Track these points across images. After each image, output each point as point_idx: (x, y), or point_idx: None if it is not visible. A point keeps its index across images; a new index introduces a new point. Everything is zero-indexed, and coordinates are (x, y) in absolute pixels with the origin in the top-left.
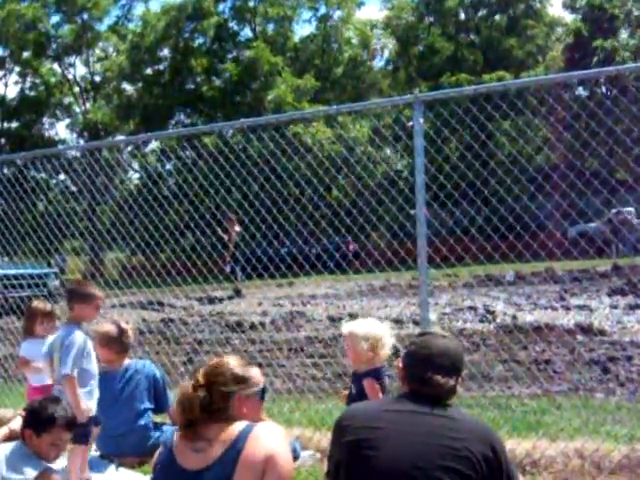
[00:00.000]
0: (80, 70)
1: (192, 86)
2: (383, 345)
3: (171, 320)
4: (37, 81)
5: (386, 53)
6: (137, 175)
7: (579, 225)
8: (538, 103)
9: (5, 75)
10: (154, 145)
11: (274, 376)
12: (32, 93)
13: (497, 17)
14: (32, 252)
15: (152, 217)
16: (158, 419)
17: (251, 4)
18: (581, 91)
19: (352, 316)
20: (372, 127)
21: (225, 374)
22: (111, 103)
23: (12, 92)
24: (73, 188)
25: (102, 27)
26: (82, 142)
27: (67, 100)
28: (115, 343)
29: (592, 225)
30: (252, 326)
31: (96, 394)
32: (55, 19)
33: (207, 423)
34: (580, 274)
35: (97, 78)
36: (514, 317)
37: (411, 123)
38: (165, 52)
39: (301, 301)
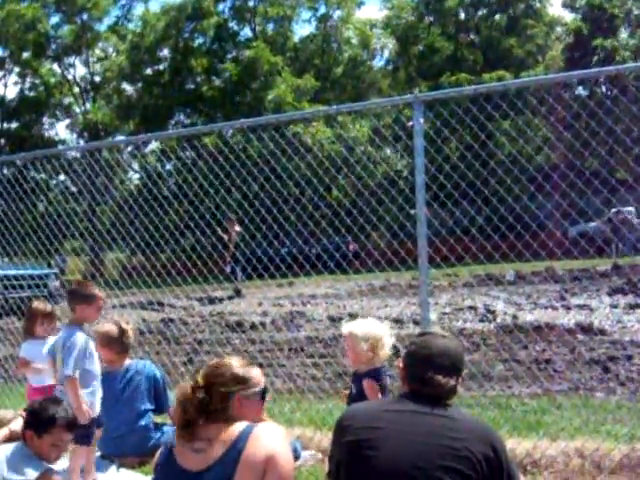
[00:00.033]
0: (80, 70)
1: (192, 86)
2: (383, 345)
3: (171, 320)
4: (37, 81)
5: (386, 53)
6: (137, 175)
7: (579, 225)
8: (538, 103)
9: (5, 75)
10: (154, 145)
11: (275, 376)
12: (32, 93)
13: (497, 17)
14: (32, 253)
15: (152, 217)
16: (159, 420)
17: (251, 4)
18: (581, 91)
19: (352, 316)
20: (372, 127)
21: (224, 375)
22: (111, 103)
23: (12, 92)
24: (73, 188)
25: (102, 27)
26: (82, 142)
27: (67, 100)
28: (116, 343)
29: (592, 225)
30: (252, 326)
31: (99, 395)
32: (55, 19)
33: (206, 423)
34: (580, 273)
35: (97, 78)
36: (514, 317)
37: (411, 123)
38: (165, 52)
39: (301, 301)
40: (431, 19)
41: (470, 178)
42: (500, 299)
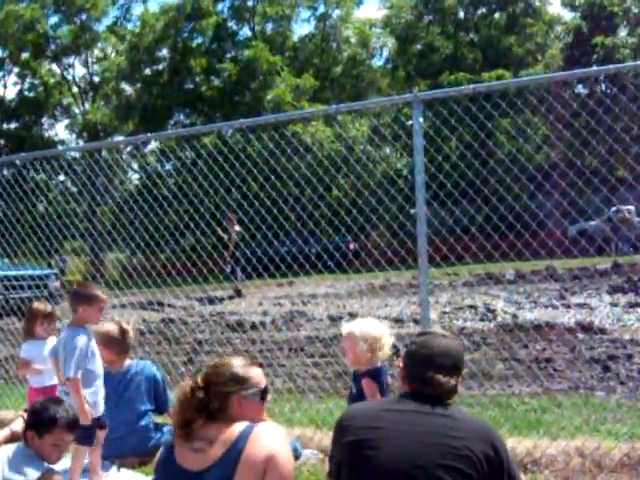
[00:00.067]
0: (79, 71)
1: (191, 86)
2: (382, 345)
3: (171, 320)
4: (36, 82)
5: (385, 52)
6: (137, 176)
7: (579, 223)
8: (538, 101)
9: (4, 76)
10: (153, 145)
11: (275, 376)
12: (31, 94)
13: (496, 15)
14: (32, 253)
15: (152, 217)
16: (159, 420)
17: (250, 3)
18: (580, 89)
19: (352, 315)
20: (371, 126)
21: (224, 374)
22: (110, 103)
23: (11, 93)
24: (73, 189)
25: (101, 27)
26: (81, 142)
27: (66, 101)
28: (116, 343)
29: (592, 223)
30: (252, 326)
31: (102, 394)
32: (54, 20)
33: (206, 423)
34: (580, 272)
35: (96, 78)
36: (514, 316)
37: (410, 122)
38: (164, 52)
39: (301, 300)
40: (430, 18)
41: (470, 177)
42: (500, 298)
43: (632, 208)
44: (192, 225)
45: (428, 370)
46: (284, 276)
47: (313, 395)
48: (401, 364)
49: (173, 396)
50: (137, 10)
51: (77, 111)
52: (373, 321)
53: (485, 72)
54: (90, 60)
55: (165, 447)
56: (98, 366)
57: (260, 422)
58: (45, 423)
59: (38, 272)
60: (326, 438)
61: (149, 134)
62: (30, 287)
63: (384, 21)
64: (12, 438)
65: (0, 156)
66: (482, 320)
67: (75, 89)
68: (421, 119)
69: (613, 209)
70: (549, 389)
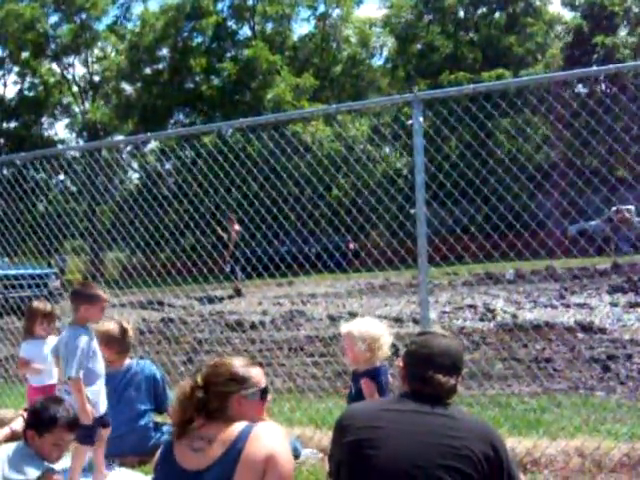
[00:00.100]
0: (79, 70)
1: (191, 85)
2: (381, 345)
3: (171, 320)
4: (36, 81)
5: (385, 51)
6: (137, 175)
7: (579, 223)
8: (537, 101)
9: (4, 75)
10: (153, 145)
11: (274, 375)
12: (31, 93)
13: (496, 15)
14: (32, 252)
15: (152, 217)
16: (159, 419)
17: (250, 3)
18: (581, 89)
19: (352, 315)
20: (371, 126)
21: (223, 374)
22: (110, 103)
23: (11, 92)
24: (73, 188)
25: (101, 27)
26: (81, 142)
27: (66, 100)
28: (116, 343)
29: (592, 223)
30: (252, 325)
31: (103, 393)
32: (54, 19)
33: (205, 423)
34: (580, 272)
35: (96, 78)
36: (514, 315)
37: (410, 122)
38: (164, 51)
39: (301, 300)
40: (430, 17)
41: (470, 177)
42: (500, 298)
43: (632, 208)
44: (192, 224)
45: (428, 370)
46: (284, 276)
47: (313, 394)
48: (401, 364)
49: (173, 395)
50: (137, 9)
51: (77, 110)
52: (372, 321)
53: (485, 72)
54: (90, 59)
55: (165, 446)
56: (99, 365)
57: (260, 422)
58: (45, 422)
59: (38, 271)
60: (326, 438)
61: (149, 133)
62: (30, 286)
63: (384, 20)
64: (12, 437)
65: (0, 155)
66: (482, 320)
67: (75, 88)
68: (421, 119)
69: (613, 209)
70: (549, 389)
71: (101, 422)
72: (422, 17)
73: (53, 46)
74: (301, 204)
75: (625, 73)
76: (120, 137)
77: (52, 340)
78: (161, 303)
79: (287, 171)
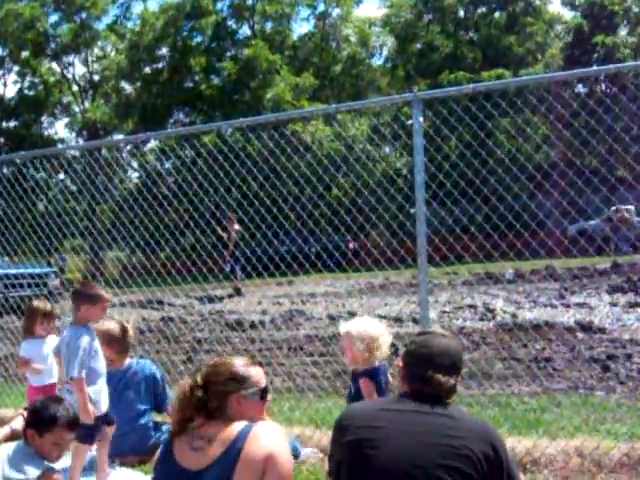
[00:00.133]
0: (79, 69)
1: (191, 85)
2: (379, 345)
3: (171, 319)
4: (36, 80)
5: (385, 51)
6: (136, 174)
7: (578, 223)
8: (537, 101)
9: (4, 74)
10: (153, 144)
11: (274, 375)
12: (31, 92)
13: (496, 14)
14: (32, 251)
15: (152, 216)
16: (158, 419)
17: (249, 2)
18: (580, 89)
19: (352, 314)
20: (371, 125)
21: (223, 373)
22: (110, 102)
23: (11, 91)
24: (73, 187)
25: (101, 26)
26: (81, 141)
27: (66, 99)
28: (117, 342)
29: (592, 223)
30: (252, 325)
31: (104, 392)
32: (54, 18)
33: (204, 422)
34: (580, 272)
35: (96, 77)
36: (514, 315)
37: (410, 122)
38: (163, 51)
39: (301, 299)
40: (430, 17)
41: (469, 176)
42: (499, 297)
43: (631, 208)
44: (192, 224)
45: (428, 370)
46: (284, 275)
47: (312, 394)
48: (400, 363)
49: (173, 395)
50: (137, 9)
51: (77, 110)
52: (371, 320)
53: (485, 71)
54: (90, 59)
55: (164, 446)
56: (101, 365)
57: (259, 421)
58: (45, 422)
59: (38, 270)
60: (325, 437)
61: (149, 133)
62: (30, 285)
63: (384, 20)
64: (12, 436)
65: (0, 154)
66: (481, 319)
67: (75, 88)
68: (421, 118)
69: (613, 209)
70: (548, 389)
71: (105, 420)
72: (422, 17)
73: (53, 45)
74: (301, 204)
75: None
76: (120, 136)
77: (52, 339)
78: (161, 302)
79: (287, 171)
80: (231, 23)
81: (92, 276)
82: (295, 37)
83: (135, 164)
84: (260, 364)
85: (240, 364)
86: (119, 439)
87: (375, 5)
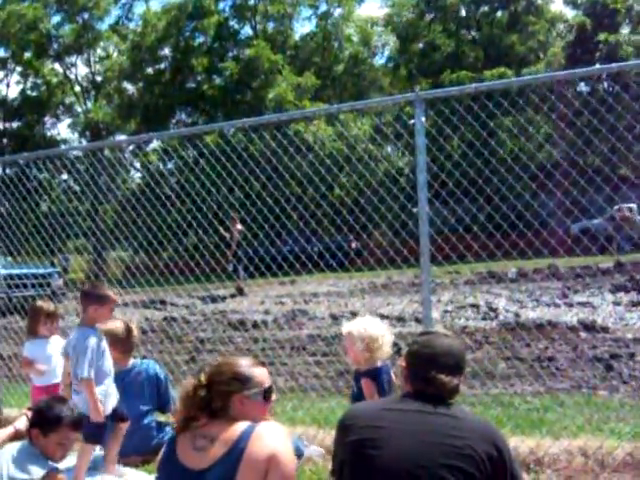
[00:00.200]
0: (81, 70)
1: (193, 85)
2: (380, 345)
3: (173, 319)
4: (39, 81)
5: (387, 50)
6: (139, 174)
7: (581, 222)
8: (540, 100)
9: (7, 75)
10: (156, 144)
11: (277, 374)
12: (34, 93)
13: (498, 13)
14: (35, 252)
15: (154, 216)
16: (162, 419)
17: (251, 2)
18: (583, 87)
19: (354, 314)
20: (373, 125)
21: (226, 373)
22: (112, 102)
23: (14, 92)
24: (76, 188)
25: (103, 27)
26: (84, 141)
27: (68, 100)
28: (121, 342)
29: (595, 222)
30: (254, 324)
31: (113, 391)
32: (56, 19)
33: (208, 422)
34: (583, 271)
35: (98, 78)
36: (516, 314)
37: (413, 121)
38: (166, 51)
39: (303, 299)
40: (432, 16)
41: (472, 176)
42: (502, 297)
43: (634, 206)
44: (194, 224)
45: (431, 370)
46: (286, 275)
47: (315, 394)
48: (403, 364)
49: (176, 395)
50: (139, 9)
51: (79, 110)
52: (372, 320)
53: (487, 70)
54: (92, 59)
55: (167, 446)
56: (108, 364)
57: (262, 422)
58: (50, 422)
59: (41, 271)
60: (328, 437)
61: (151, 133)
62: (33, 286)
63: (385, 19)
64: (15, 436)
65: (3, 155)
66: (484, 319)
67: (77, 88)
68: (423, 118)
69: (615, 208)
70: (551, 388)
71: (119, 416)
72: (424, 16)
73: (55, 46)
74: (303, 203)
75: (627, 72)
76: (122, 137)
77: (55, 339)
78: (164, 302)
79: (289, 170)
80: (233, 23)
81: (95, 276)
82: (297, 37)
83: (138, 164)
84: (263, 364)
85: (244, 364)
86: (122, 439)
87: (377, 4)
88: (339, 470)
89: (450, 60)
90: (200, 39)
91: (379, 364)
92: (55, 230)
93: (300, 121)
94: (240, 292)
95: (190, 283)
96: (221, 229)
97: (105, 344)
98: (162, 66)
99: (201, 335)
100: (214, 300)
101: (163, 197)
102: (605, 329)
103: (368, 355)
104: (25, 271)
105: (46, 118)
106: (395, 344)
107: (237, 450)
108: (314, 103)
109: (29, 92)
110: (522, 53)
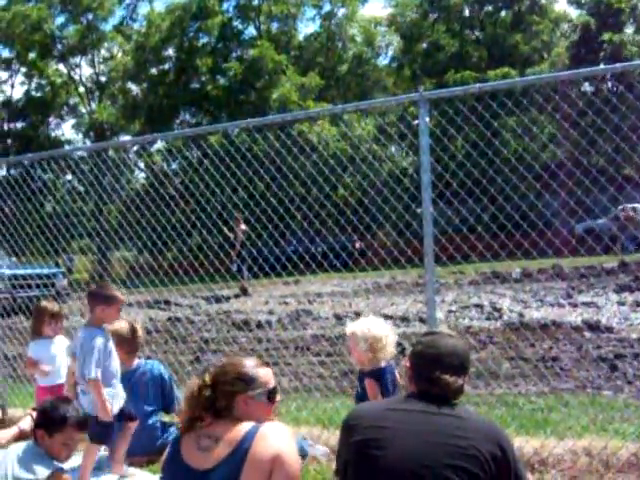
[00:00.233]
0: (85, 70)
1: (197, 85)
2: (384, 346)
3: (178, 319)
4: (43, 82)
5: (390, 50)
6: (143, 175)
7: (585, 222)
8: (544, 100)
9: (11, 76)
10: (160, 145)
11: (281, 375)
12: (38, 94)
13: (502, 13)
14: (40, 252)
15: (159, 216)
16: (166, 419)
17: (255, 3)
18: (587, 87)
19: (358, 314)
20: (377, 125)
21: (231, 373)
22: (116, 103)
23: (18, 93)
24: (80, 188)
25: (107, 27)
26: (88, 142)
27: (73, 100)
28: (126, 342)
29: (599, 222)
30: (259, 324)
31: (120, 391)
32: (60, 20)
33: (212, 422)
34: (587, 271)
35: (102, 78)
36: (521, 314)
37: (417, 121)
38: (170, 52)
39: (307, 299)
40: (435, 16)
41: (476, 176)
42: (506, 297)
43: (638, 206)
44: (198, 224)
45: (435, 370)
46: (290, 275)
47: (319, 394)
48: (407, 364)
49: (181, 395)
50: (143, 10)
51: (84, 111)
52: (376, 321)
53: (491, 70)
54: (97, 60)
55: (172, 446)
56: (115, 365)
57: (267, 422)
58: (55, 422)
59: (46, 271)
60: (333, 437)
61: (155, 134)
62: (38, 286)
63: (389, 19)
64: (20, 436)
65: (7, 156)
66: (488, 319)
67: (82, 89)
68: (427, 118)
69: (619, 208)
70: (556, 388)
71: (127, 416)
72: (427, 16)
73: (60, 47)
74: (307, 204)
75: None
76: (127, 137)
77: (60, 340)
78: (168, 302)
79: (293, 171)
80: (237, 24)
81: (99, 276)
82: (301, 37)
83: (142, 165)
84: (267, 364)
85: (249, 365)
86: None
87: (380, 4)
88: (343, 470)
89: (454, 60)
90: (204, 39)
91: (383, 364)
92: (59, 230)
93: (304, 121)
94: (244, 292)
95: (194, 283)
96: (225, 229)
97: (112, 344)
98: (166, 66)
99: (205, 335)
100: (218, 300)
101: (167, 197)
102: (609, 329)
103: (371, 355)
104: (29, 271)
105: (50, 119)
106: (399, 344)
107: (241, 450)
108: (318, 103)
109: (33, 93)
110: (526, 53)
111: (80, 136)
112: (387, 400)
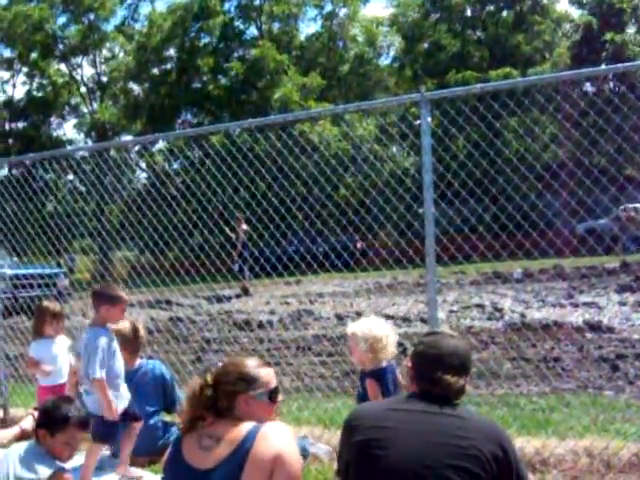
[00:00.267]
0: (87, 70)
1: (198, 85)
2: (384, 346)
3: (179, 319)
4: (44, 82)
5: (392, 50)
6: (145, 175)
7: (587, 222)
8: (545, 100)
9: (13, 76)
10: (161, 145)
11: (282, 375)
12: (40, 94)
13: (504, 13)
14: (41, 252)
15: (160, 216)
16: (168, 419)
17: (257, 3)
18: (589, 87)
19: (359, 314)
20: (378, 125)
21: (232, 373)
22: (118, 103)
23: (20, 93)
24: (82, 188)
25: (109, 27)
26: (90, 142)
27: (74, 100)
28: (128, 342)
29: (600, 222)
30: (260, 325)
31: (124, 391)
32: (62, 20)
33: (214, 421)
34: (588, 271)
35: (104, 78)
36: (522, 315)
37: (418, 121)
38: (171, 52)
39: (309, 299)
40: (437, 16)
41: (478, 176)
42: (508, 297)
43: (639, 206)
44: (200, 224)
45: (437, 370)
46: (292, 275)
47: (321, 394)
48: (409, 364)
49: (182, 395)
50: (145, 10)
51: (85, 111)
52: (376, 321)
53: (492, 70)
54: (98, 60)
55: (173, 446)
56: (119, 365)
57: (268, 422)
58: (57, 422)
59: (47, 271)
60: (334, 437)
61: (157, 134)
62: (39, 286)
63: (391, 19)
64: (21, 436)
65: (9, 155)
66: (490, 319)
67: (83, 89)
68: (429, 118)
69: (621, 208)
70: (557, 388)
71: (132, 416)
72: (429, 16)
73: (61, 47)
74: (309, 203)
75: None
76: (128, 137)
77: (61, 339)
78: (169, 302)
79: (294, 171)
80: (238, 24)
81: (101, 276)
82: (302, 37)
83: (143, 165)
84: (269, 364)
85: (250, 365)
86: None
87: (382, 5)
88: (345, 470)
89: (455, 60)
90: (205, 39)
91: (384, 364)
92: (61, 230)
93: (306, 121)
94: (246, 292)
95: (196, 283)
96: (227, 229)
97: (116, 344)
98: (168, 66)
99: (207, 335)
100: (220, 300)
101: (169, 197)
102: (611, 329)
103: (372, 355)
104: (31, 271)
105: (52, 119)
106: (400, 344)
107: (243, 450)
108: (319, 103)
109: (35, 93)
110: (528, 53)
111: (82, 136)
112: (388, 400)
